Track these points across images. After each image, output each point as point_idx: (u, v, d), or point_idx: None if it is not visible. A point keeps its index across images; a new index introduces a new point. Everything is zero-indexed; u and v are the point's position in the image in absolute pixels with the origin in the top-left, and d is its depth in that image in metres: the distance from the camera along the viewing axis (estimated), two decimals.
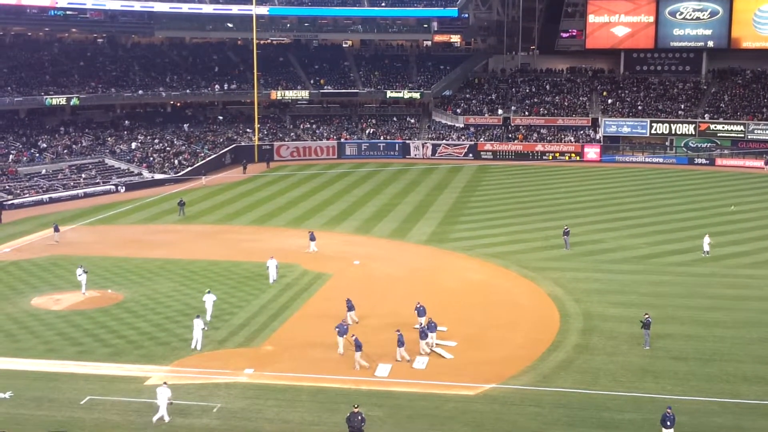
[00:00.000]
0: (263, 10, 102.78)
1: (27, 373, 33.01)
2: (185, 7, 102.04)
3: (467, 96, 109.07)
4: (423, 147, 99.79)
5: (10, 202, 69.60)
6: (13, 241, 57.18)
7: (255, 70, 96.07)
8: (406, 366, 33.60)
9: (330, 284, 45.87)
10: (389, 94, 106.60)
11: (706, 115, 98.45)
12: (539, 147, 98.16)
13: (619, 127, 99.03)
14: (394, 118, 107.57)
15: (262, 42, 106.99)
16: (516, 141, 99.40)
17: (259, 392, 31.18)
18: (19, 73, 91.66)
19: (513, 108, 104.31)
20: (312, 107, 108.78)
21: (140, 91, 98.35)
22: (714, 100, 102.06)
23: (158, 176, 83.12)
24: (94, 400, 30.41)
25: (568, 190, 77.25)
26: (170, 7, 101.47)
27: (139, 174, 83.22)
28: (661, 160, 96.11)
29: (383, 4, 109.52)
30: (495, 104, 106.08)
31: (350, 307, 38.53)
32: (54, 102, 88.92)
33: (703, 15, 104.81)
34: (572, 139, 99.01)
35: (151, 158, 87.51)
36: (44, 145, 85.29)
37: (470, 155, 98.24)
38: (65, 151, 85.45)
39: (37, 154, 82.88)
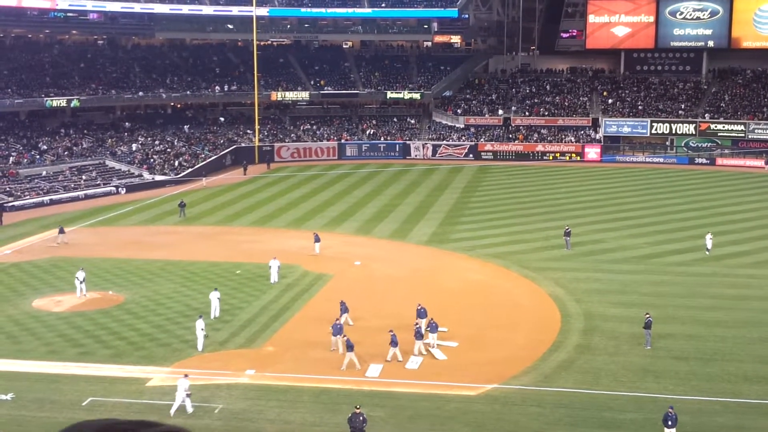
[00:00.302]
0: (263, 11, 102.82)
1: (28, 375, 33.03)
2: (185, 9, 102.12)
3: (467, 96, 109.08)
4: (423, 148, 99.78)
5: (10, 204, 69.59)
6: (14, 243, 57.19)
7: (255, 72, 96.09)
8: (397, 366, 33.55)
9: (331, 285, 45.86)
10: (389, 94, 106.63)
11: (706, 115, 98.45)
12: (540, 147, 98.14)
13: (620, 127, 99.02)
14: (395, 119, 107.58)
15: (262, 43, 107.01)
16: (516, 141, 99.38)
17: (260, 393, 31.19)
18: (20, 75, 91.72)
19: (513, 108, 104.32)
20: (312, 108, 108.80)
21: (140, 93, 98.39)
22: (714, 100, 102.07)
23: (159, 178, 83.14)
24: (96, 401, 30.44)
25: (569, 191, 77.24)
26: (170, 9, 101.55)
27: (140, 175, 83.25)
28: (661, 159, 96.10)
29: (383, 5, 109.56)
30: (495, 105, 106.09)
31: (344, 310, 38.43)
32: (54, 104, 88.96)
33: (704, 15, 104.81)
34: (573, 139, 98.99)
35: (152, 160, 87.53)
36: (45, 147, 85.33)
37: (471, 156, 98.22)
38: (66, 152, 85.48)
39: (38, 156, 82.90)
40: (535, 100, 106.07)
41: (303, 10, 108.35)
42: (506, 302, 42.66)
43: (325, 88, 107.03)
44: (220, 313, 39.89)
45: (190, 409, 28.97)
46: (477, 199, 72.97)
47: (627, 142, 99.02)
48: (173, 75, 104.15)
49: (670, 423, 26.87)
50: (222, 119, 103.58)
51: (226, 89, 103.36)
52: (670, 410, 27.11)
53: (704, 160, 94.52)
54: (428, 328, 36.20)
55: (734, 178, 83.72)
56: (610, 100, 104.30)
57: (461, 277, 47.63)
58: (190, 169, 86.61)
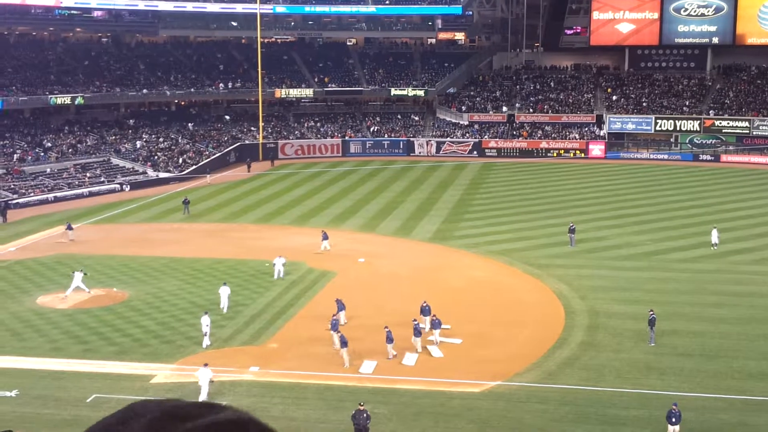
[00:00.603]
0: (268, 8, 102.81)
1: (33, 372, 33.11)
2: (190, 6, 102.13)
3: (471, 93, 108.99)
4: (427, 144, 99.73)
5: (15, 201, 69.71)
6: (19, 240, 57.29)
7: (259, 69, 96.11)
8: (392, 363, 33.56)
9: (335, 282, 45.87)
10: (393, 91, 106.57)
11: (711, 112, 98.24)
12: (544, 144, 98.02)
13: (624, 124, 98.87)
14: (399, 116, 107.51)
15: (266, 40, 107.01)
16: (520, 138, 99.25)
17: (264, 390, 31.23)
18: (24, 73, 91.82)
19: (517, 105, 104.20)
20: (316, 105, 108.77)
21: (145, 90, 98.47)
22: (719, 97, 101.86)
23: (163, 175, 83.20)
24: (100, 398, 30.49)
25: (573, 187, 77.15)
26: (174, 6, 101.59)
27: (144, 173, 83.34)
28: (665, 156, 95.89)
29: (387, 2, 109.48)
30: (499, 101, 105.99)
31: (340, 308, 38.41)
32: (59, 101, 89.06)
33: (708, 11, 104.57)
34: (577, 136, 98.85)
35: (156, 157, 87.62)
36: (49, 144, 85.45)
37: (475, 152, 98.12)
38: (70, 150, 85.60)
39: (42, 153, 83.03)
40: (539, 97, 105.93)
41: (307, 7, 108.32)
42: (510, 299, 42.64)
43: (329, 85, 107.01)
44: (228, 309, 40.03)
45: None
46: (481, 196, 72.93)
47: (631, 139, 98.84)
48: (177, 72, 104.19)
49: (674, 420, 26.85)
50: (227, 117, 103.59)
51: (230, 86, 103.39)
52: (674, 407, 27.09)
53: (709, 157, 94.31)
54: (431, 325, 36.23)
55: (739, 175, 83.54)
56: (614, 97, 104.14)
57: (465, 274, 47.61)
58: (194, 167, 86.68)
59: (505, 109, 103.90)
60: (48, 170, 79.21)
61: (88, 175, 79.85)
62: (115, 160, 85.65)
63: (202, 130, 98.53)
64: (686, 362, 33.45)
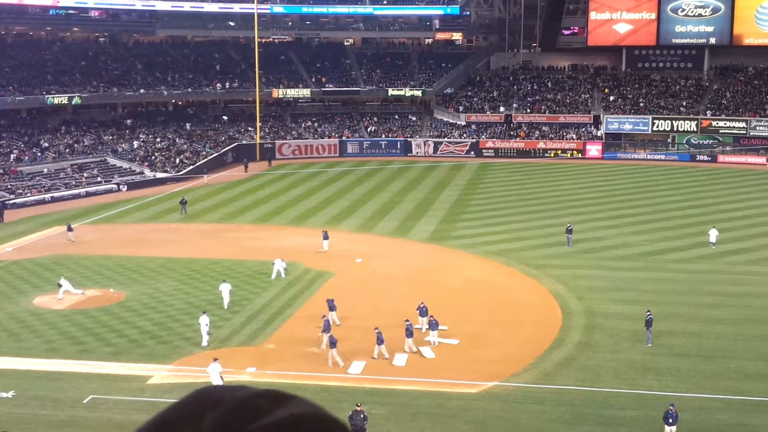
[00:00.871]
0: (265, 8, 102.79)
1: (29, 373, 33.05)
2: (187, 6, 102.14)
3: (469, 94, 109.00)
4: (425, 145, 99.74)
5: (12, 202, 69.65)
6: (16, 240, 57.23)
7: (257, 69, 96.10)
8: (382, 364, 33.58)
9: (332, 282, 45.85)
10: (391, 92, 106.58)
11: (708, 112, 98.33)
12: (541, 144, 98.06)
13: (621, 124, 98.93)
14: (396, 116, 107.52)
15: (263, 40, 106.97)
16: (518, 138, 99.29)
17: None
18: (21, 73, 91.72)
19: (515, 105, 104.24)
20: (314, 105, 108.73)
21: (142, 90, 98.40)
22: (716, 97, 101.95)
23: (160, 175, 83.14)
24: (97, 399, 30.45)
25: (570, 188, 77.17)
26: (172, 6, 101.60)
27: (141, 173, 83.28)
28: (663, 157, 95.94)
29: (385, 3, 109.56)
30: (497, 102, 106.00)
31: (331, 308, 38.37)
32: (56, 101, 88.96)
33: (705, 12, 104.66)
34: (574, 136, 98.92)
35: (153, 157, 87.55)
36: (46, 145, 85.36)
37: (472, 153, 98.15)
38: (67, 150, 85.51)
39: (39, 154, 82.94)
40: (537, 97, 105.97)
41: (304, 7, 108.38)
42: (507, 300, 42.64)
43: (327, 85, 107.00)
44: (228, 306, 40.49)
45: None
46: (478, 197, 72.94)
47: (628, 139, 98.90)
48: (175, 72, 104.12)
49: (671, 420, 26.86)
50: (225, 118, 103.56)
51: (227, 86, 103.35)
52: (671, 407, 27.10)
53: (706, 158, 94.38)
54: (428, 326, 36.23)
55: (736, 176, 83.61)
56: (611, 97, 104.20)
57: (462, 274, 47.60)
58: (191, 167, 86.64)
59: (502, 109, 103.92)
60: (45, 170, 79.13)
61: (85, 175, 79.78)
62: (112, 160, 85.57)
63: (200, 130, 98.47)
64: (683, 363, 33.47)
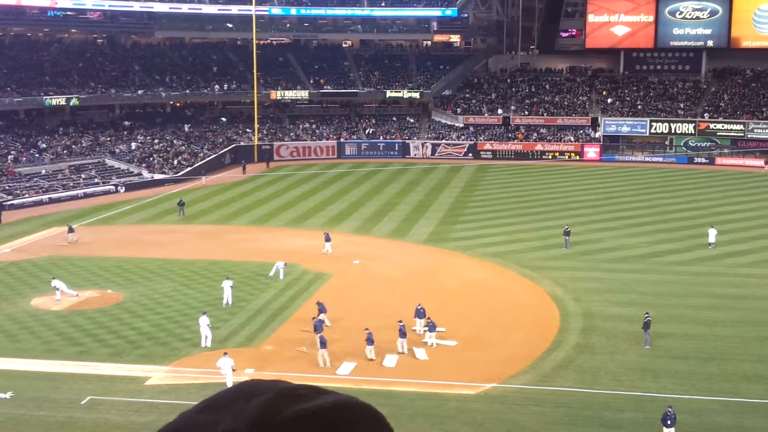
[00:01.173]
0: (263, 10, 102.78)
1: (27, 374, 33.02)
2: (185, 8, 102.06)
3: (467, 96, 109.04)
4: (422, 147, 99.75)
5: (9, 203, 69.58)
6: (13, 242, 57.17)
7: (255, 70, 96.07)
8: (372, 365, 33.61)
9: (330, 284, 45.85)
10: (389, 94, 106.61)
11: (705, 115, 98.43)
12: (539, 146, 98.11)
13: (619, 127, 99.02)
14: (394, 118, 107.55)
15: (261, 42, 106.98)
16: (516, 140, 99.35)
17: None
18: (19, 74, 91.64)
19: (513, 107, 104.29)
20: (312, 107, 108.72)
21: (140, 92, 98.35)
22: (714, 100, 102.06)
23: (158, 176, 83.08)
24: (95, 400, 30.41)
25: (568, 190, 77.20)
26: (170, 8, 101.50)
27: (139, 174, 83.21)
28: (660, 159, 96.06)
29: (383, 4, 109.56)
30: (495, 104, 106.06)
31: (322, 310, 38.33)
32: (54, 102, 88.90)
33: (703, 14, 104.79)
34: (572, 138, 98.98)
35: (151, 158, 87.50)
36: (44, 146, 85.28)
37: (470, 155, 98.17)
38: (65, 151, 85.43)
39: (37, 155, 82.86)
40: (535, 100, 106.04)
41: (302, 9, 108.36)
42: (505, 301, 42.64)
43: (325, 87, 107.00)
44: (230, 304, 41.02)
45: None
46: (476, 198, 72.95)
47: (626, 142, 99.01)
48: (172, 74, 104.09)
49: (669, 422, 26.87)
50: (223, 119, 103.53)
51: (225, 88, 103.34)
52: (669, 409, 27.12)
53: (703, 160, 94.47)
54: (426, 328, 36.22)
55: (733, 178, 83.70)
56: (609, 100, 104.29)
57: (460, 276, 47.61)
58: (189, 168, 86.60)
59: (500, 111, 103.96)
60: (43, 171, 79.04)
61: (82, 176, 79.71)
62: (110, 162, 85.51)
63: (198, 132, 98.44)
64: (681, 365, 33.48)
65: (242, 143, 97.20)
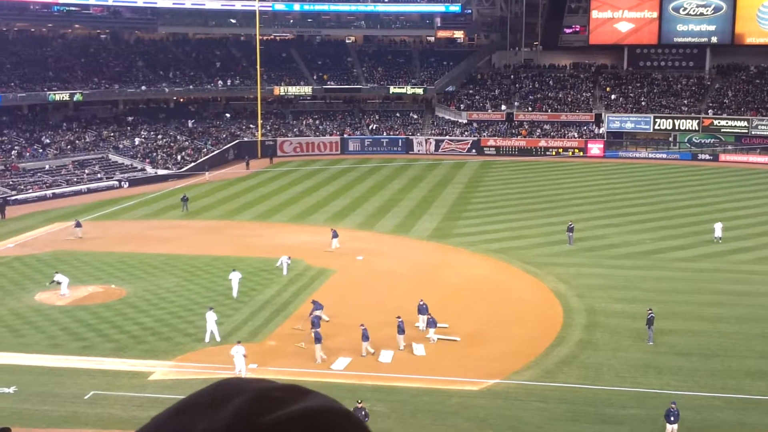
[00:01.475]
0: (266, 5, 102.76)
1: (31, 368, 33.08)
2: (188, 3, 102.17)
3: (470, 92, 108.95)
4: (426, 143, 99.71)
5: (13, 198, 69.67)
6: (17, 237, 57.24)
7: (258, 66, 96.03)
8: (367, 360, 33.64)
9: (333, 280, 45.88)
10: (392, 89, 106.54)
11: (709, 111, 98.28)
12: (542, 143, 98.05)
13: (623, 123, 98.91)
14: (397, 114, 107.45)
15: (265, 38, 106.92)
16: (519, 137, 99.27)
17: None
18: (23, 69, 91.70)
19: (516, 104, 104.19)
20: (315, 103, 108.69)
21: (143, 87, 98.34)
22: (718, 96, 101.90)
23: (161, 172, 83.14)
24: (98, 395, 30.46)
25: (572, 186, 77.14)
26: (173, 3, 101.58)
27: (143, 169, 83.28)
28: (664, 155, 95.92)
29: (386, 0, 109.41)
30: (498, 100, 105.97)
31: (317, 307, 38.27)
32: (57, 98, 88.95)
33: (707, 11, 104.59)
34: (576, 134, 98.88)
35: (155, 154, 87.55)
36: (47, 141, 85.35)
37: (473, 151, 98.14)
38: (68, 146, 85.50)
39: (41, 150, 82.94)
40: (538, 96, 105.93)
41: (306, 5, 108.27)
42: (509, 297, 42.64)
43: (328, 82, 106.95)
44: (236, 297, 41.38)
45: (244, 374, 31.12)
46: (479, 195, 72.92)
47: (630, 138, 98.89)
48: (176, 69, 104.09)
49: (672, 419, 26.87)
50: (228, 115, 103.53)
51: (229, 84, 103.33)
52: (672, 406, 27.11)
53: (707, 156, 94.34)
54: (426, 324, 36.21)
55: (737, 175, 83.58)
56: (613, 96, 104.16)
57: (463, 272, 47.60)
58: (192, 164, 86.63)
59: (503, 107, 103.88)
60: (46, 167, 79.14)
61: (86, 171, 79.77)
62: (113, 157, 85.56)
63: (201, 128, 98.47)
64: (684, 361, 33.47)
65: (246, 139, 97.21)
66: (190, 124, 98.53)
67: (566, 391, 30.68)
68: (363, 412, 26.82)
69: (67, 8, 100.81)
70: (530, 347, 35.21)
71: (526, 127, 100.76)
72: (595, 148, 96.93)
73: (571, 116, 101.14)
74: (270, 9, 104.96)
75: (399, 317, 35.44)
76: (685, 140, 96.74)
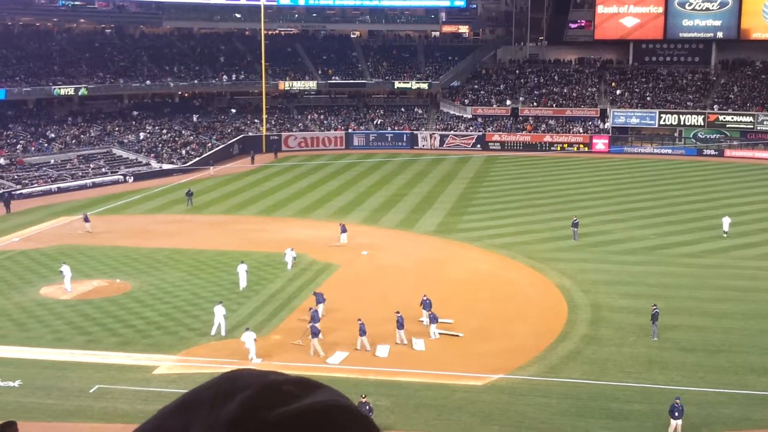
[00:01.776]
0: (271, 0, 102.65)
1: (36, 362, 33.15)
2: None
3: (475, 87, 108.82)
4: (431, 138, 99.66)
5: (18, 192, 69.78)
6: (22, 231, 57.33)
7: (263, 61, 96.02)
8: (364, 355, 33.72)
9: (338, 274, 45.90)
10: (397, 84, 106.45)
11: (715, 106, 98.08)
12: (547, 138, 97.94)
13: (628, 118, 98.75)
14: (402, 109, 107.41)
15: (269, 32, 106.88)
16: (524, 132, 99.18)
17: None
18: (28, 64, 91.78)
19: (521, 99, 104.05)
20: (320, 98, 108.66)
21: (148, 82, 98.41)
22: (723, 91, 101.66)
23: (166, 166, 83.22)
24: (103, 388, 30.52)
25: (577, 181, 77.07)
26: None
27: (147, 164, 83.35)
28: (669, 151, 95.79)
29: None
30: (503, 95, 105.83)
31: (320, 300, 38.34)
32: (62, 92, 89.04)
33: (713, 6, 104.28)
34: (581, 129, 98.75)
35: (159, 148, 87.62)
36: (52, 135, 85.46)
37: (478, 146, 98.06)
38: (73, 141, 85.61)
39: (46, 144, 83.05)
40: (543, 91, 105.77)
41: (311, 0, 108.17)
42: (513, 293, 42.62)
43: (333, 77, 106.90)
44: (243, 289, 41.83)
45: (256, 360, 32.18)
46: (484, 190, 72.86)
47: (635, 133, 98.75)
48: (181, 64, 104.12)
49: (676, 414, 26.85)
50: (233, 110, 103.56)
51: (233, 78, 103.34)
52: (677, 401, 27.09)
53: (712, 152, 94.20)
54: (429, 319, 36.20)
55: (743, 170, 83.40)
56: (618, 91, 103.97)
57: (468, 267, 47.57)
58: (197, 158, 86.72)
59: (508, 102, 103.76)
60: (51, 161, 79.24)
61: (91, 166, 79.90)
62: (118, 152, 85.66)
63: (206, 122, 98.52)
64: (689, 357, 33.43)
65: (250, 134, 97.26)
66: (194, 119, 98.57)
67: (571, 386, 30.66)
68: (368, 407, 26.85)
69: (72, 3, 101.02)
70: (535, 342, 35.19)
71: (531, 122, 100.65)
72: (600, 143, 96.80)
73: (576, 111, 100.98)
74: (275, 4, 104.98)
75: (398, 312, 35.45)
76: (691, 135, 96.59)
